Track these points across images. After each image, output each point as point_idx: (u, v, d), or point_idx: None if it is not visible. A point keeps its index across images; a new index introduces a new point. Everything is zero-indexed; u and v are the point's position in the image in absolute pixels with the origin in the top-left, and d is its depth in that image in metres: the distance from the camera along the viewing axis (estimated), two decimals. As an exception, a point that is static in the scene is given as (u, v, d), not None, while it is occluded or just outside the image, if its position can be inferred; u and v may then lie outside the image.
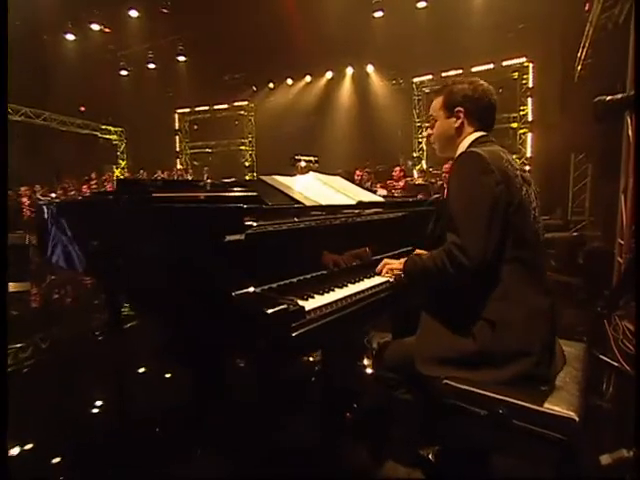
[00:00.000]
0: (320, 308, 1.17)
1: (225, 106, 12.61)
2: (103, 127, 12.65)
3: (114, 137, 13.18)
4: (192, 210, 1.16)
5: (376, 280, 1.49)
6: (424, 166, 10.75)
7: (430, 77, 10.35)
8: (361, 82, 10.92)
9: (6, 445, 1.25)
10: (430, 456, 1.47)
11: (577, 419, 1.03)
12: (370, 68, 10.72)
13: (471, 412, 1.20)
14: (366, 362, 2.51)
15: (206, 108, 12.83)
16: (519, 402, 1.10)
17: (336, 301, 1.24)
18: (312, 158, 2.03)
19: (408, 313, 1.87)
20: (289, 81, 11.54)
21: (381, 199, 2.07)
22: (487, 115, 1.40)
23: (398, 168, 7.35)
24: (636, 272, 1.74)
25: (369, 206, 1.78)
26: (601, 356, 2.32)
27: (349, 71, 10.94)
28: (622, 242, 3.45)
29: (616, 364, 2.34)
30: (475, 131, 1.38)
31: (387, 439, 1.66)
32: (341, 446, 1.69)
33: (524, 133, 9.35)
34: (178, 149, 13.50)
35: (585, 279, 4.02)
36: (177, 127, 13.43)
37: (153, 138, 12.22)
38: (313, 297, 1.25)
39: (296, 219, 1.37)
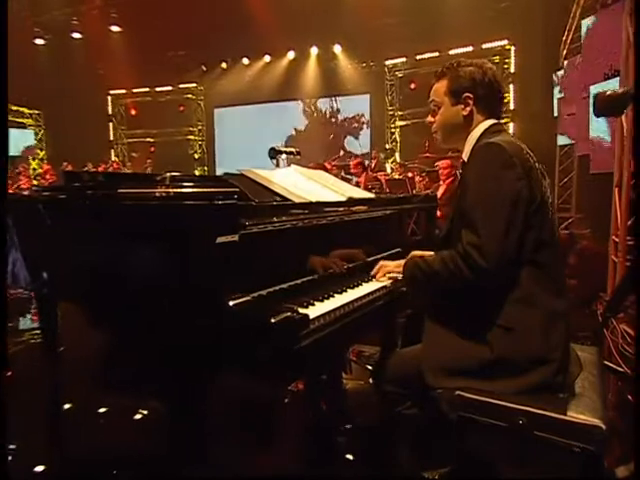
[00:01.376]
0: (324, 316, 1.18)
1: (169, 88, 12.32)
2: (15, 109, 11.71)
3: (29, 121, 12.40)
4: (175, 209, 1.14)
5: (375, 284, 1.53)
6: (397, 159, 11.01)
7: (404, 60, 10.66)
8: (328, 64, 11.07)
9: (6, 445, 1.18)
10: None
11: (603, 427, 1.10)
12: (337, 48, 10.87)
13: (486, 425, 1.25)
14: (347, 377, 2.55)
15: (146, 90, 12.41)
16: (541, 412, 1.16)
17: (339, 308, 1.26)
18: (293, 150, 2.05)
19: (407, 322, 1.93)
20: (245, 61, 11.47)
21: (371, 195, 2.11)
22: (498, 102, 1.44)
23: (355, 160, 7.45)
24: (636, 273, 1.88)
25: (366, 203, 1.81)
26: (606, 362, 2.49)
27: (314, 51, 11.04)
28: (617, 240, 3.70)
29: (620, 369, 2.52)
30: (486, 119, 1.41)
31: (387, 461, 1.70)
32: (336, 471, 1.70)
33: (506, 123, 9.83)
34: (112, 138, 13.01)
35: (578, 280, 4.26)
36: (110, 112, 12.92)
37: (80, 124, 11.53)
38: (313, 304, 1.26)
39: (285, 218, 1.38)
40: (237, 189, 1.39)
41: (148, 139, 12.75)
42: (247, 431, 2.02)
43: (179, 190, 1.21)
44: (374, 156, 9.07)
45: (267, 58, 11.34)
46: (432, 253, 1.78)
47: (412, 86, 10.58)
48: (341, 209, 1.68)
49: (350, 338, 1.51)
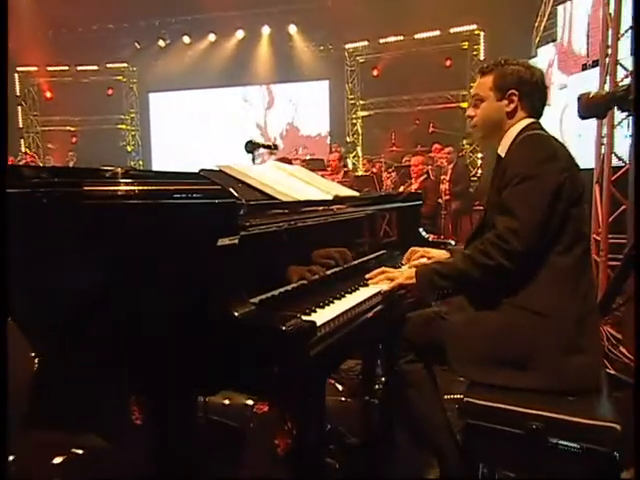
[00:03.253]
0: (329, 323, 1.25)
1: (94, 67, 11.85)
2: None
3: None
4: (168, 208, 1.17)
5: (372, 289, 1.61)
6: (360, 153, 11.23)
7: (366, 43, 10.90)
8: (282, 46, 11.14)
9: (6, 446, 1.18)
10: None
11: (619, 428, 1.24)
12: (292, 29, 10.97)
13: (497, 431, 1.36)
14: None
15: (65, 68, 11.77)
16: (555, 415, 1.28)
17: (343, 314, 1.33)
18: (271, 144, 2.11)
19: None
20: (186, 39, 11.31)
21: (356, 193, 2.21)
22: (541, 102, 1.62)
23: (333, 155, 7.58)
24: (636, 274, 2.09)
25: (360, 201, 1.90)
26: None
27: (265, 31, 11.07)
28: (598, 238, 4.01)
29: (609, 371, 2.74)
30: (526, 117, 1.59)
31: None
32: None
33: (476, 115, 10.28)
34: (21, 125, 12.34)
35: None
36: (18, 93, 12.18)
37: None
38: (315, 311, 1.32)
39: (282, 218, 1.43)
40: (217, 187, 1.45)
41: (68, 128, 12.22)
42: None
43: (171, 187, 1.24)
44: (335, 150, 9.12)
45: (212, 37, 11.24)
46: (438, 251, 1.91)
47: (375, 72, 10.82)
48: (334, 207, 1.75)
49: (355, 346, 1.59)
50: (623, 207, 3.94)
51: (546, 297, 1.40)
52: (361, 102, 11.26)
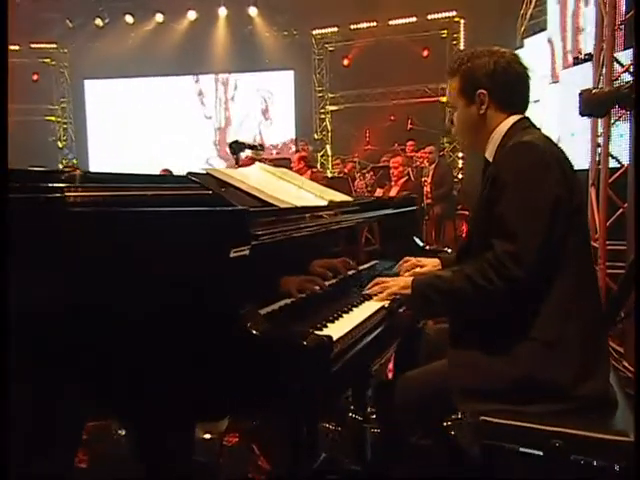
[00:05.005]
0: (343, 338, 1.33)
1: (15, 47, 11.52)
2: None
3: None
4: (172, 217, 1.24)
5: (378, 301, 1.70)
6: (329, 152, 11.35)
7: (335, 29, 11.10)
8: (240, 30, 11.19)
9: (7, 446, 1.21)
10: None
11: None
12: (253, 11, 11.03)
13: (517, 453, 1.47)
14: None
15: (-21, 49, 11.61)
16: (577, 432, 1.39)
17: (355, 328, 1.42)
18: (257, 144, 2.18)
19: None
20: (128, 19, 11.17)
21: (350, 198, 2.30)
22: (519, 91, 1.60)
23: (298, 154, 7.56)
24: (636, 280, 2.23)
25: (364, 207, 2.00)
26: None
27: (222, 12, 11.09)
28: (596, 245, 4.23)
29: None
30: (509, 115, 1.59)
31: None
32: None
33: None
34: None
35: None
36: None
37: None
38: (326, 326, 1.40)
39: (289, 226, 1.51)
40: (208, 192, 1.52)
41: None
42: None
43: (177, 193, 1.30)
44: (301, 148, 9.17)
45: (159, 17, 11.16)
46: (430, 260, 2.02)
47: (345, 62, 11.01)
48: (335, 214, 1.84)
49: (372, 359, 1.67)
50: (620, 210, 4.14)
51: (546, 322, 1.44)
52: (330, 95, 11.44)
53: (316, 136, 11.46)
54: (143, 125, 11.75)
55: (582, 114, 2.63)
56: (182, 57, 11.23)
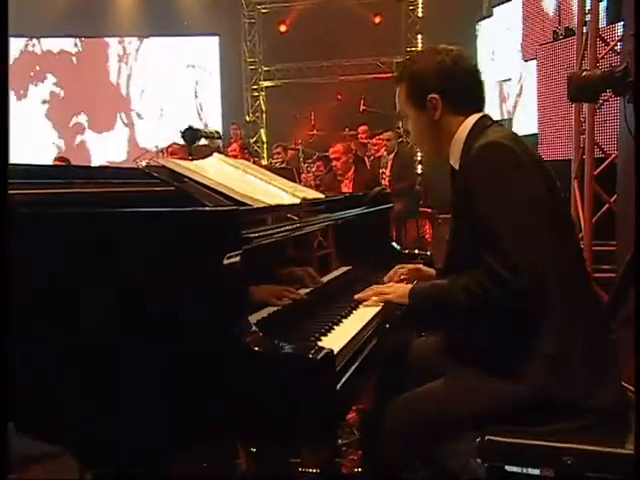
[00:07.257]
0: (342, 351, 1.45)
1: None
2: None
3: None
4: (160, 218, 1.32)
5: (368, 310, 1.83)
6: (264, 137, 11.25)
7: (268, -8, 11.04)
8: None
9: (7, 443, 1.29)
10: None
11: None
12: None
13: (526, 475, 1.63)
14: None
15: None
16: (590, 447, 1.55)
17: (352, 340, 1.54)
18: (214, 131, 2.24)
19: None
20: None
21: (321, 195, 2.42)
22: (472, 89, 1.75)
23: (235, 143, 7.46)
24: (635, 283, 2.41)
25: (346, 205, 2.13)
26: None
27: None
28: (581, 246, 4.53)
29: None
30: (467, 116, 1.72)
31: None
32: None
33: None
34: None
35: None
36: None
37: None
38: (320, 339, 1.51)
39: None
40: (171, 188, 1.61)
41: None
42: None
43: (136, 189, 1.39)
44: (234, 131, 9.02)
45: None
46: (420, 266, 2.15)
47: (282, 28, 10.96)
48: (313, 213, 1.96)
49: (370, 374, 1.80)
50: (607, 206, 4.44)
51: (554, 338, 1.57)
52: (264, 68, 11.37)
53: (248, 118, 11.33)
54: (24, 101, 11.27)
55: (573, 100, 2.84)
56: (75, 15, 10.64)
